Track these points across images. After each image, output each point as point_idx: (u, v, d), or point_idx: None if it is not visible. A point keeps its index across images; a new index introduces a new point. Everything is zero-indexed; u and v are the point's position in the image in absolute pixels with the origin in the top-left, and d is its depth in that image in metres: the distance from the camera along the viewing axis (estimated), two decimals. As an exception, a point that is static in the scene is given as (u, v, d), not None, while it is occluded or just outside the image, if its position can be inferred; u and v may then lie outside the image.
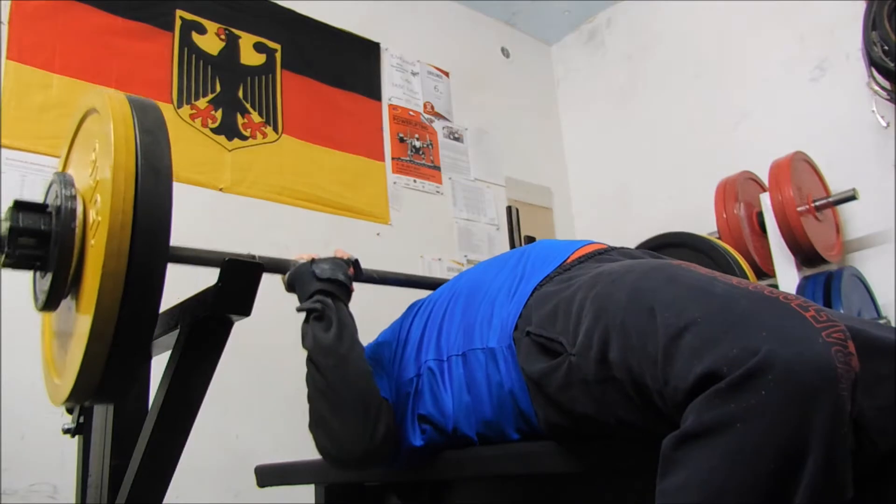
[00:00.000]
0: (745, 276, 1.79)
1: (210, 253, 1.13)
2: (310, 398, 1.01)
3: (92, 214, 0.86)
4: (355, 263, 1.16)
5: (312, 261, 1.11)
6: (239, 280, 0.88)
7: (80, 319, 0.86)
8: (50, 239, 0.87)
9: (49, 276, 0.88)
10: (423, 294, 1.22)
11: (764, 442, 0.58)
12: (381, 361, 1.11)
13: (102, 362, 0.82)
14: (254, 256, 1.11)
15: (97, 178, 0.85)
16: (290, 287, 1.11)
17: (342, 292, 1.08)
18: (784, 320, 0.61)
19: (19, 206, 0.88)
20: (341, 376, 0.97)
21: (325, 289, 1.06)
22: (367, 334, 1.19)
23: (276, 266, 1.13)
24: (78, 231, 0.87)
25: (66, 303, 0.92)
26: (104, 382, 0.84)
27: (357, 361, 1.00)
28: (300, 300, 1.08)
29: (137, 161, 0.81)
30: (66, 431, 1.31)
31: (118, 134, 0.82)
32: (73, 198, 0.89)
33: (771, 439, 0.57)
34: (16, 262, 0.89)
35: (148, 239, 0.80)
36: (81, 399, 0.89)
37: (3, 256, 0.89)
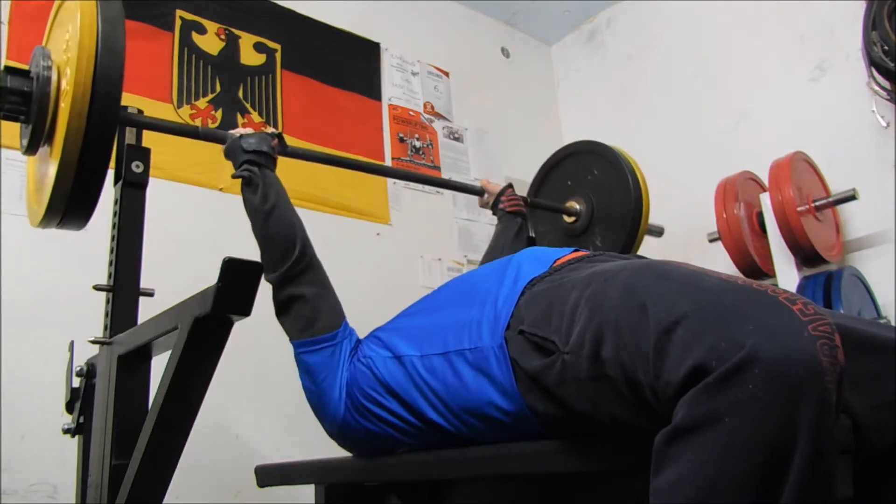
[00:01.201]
0: (639, 186, 1.97)
1: (163, 122, 1.40)
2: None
3: (63, 83, 1.07)
4: (279, 136, 1.37)
5: (241, 136, 1.31)
6: (239, 280, 0.89)
7: (51, 163, 1.09)
8: (31, 99, 1.10)
9: (30, 128, 1.12)
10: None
11: (752, 436, 0.58)
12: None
13: (67, 194, 1.07)
14: (198, 126, 1.42)
15: (68, 55, 1.06)
16: (227, 156, 1.33)
17: (267, 161, 1.30)
18: (771, 314, 0.62)
19: (9, 70, 1.10)
20: (267, 227, 1.20)
21: (251, 159, 1.27)
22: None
23: (215, 137, 1.40)
24: (52, 95, 1.10)
25: (44, 150, 1.16)
26: (66, 209, 1.11)
27: (278, 212, 1.21)
28: (234, 169, 1.29)
29: (98, 45, 1.01)
30: (66, 431, 1.30)
31: (84, 23, 1.02)
32: (50, 68, 1.11)
33: (758, 433, 0.58)
34: (5, 115, 1.11)
35: (102, 105, 1.02)
36: (51, 220, 1.15)
37: None
